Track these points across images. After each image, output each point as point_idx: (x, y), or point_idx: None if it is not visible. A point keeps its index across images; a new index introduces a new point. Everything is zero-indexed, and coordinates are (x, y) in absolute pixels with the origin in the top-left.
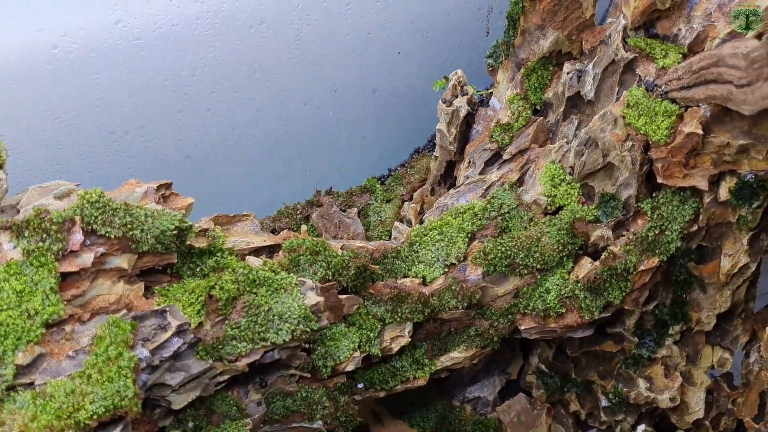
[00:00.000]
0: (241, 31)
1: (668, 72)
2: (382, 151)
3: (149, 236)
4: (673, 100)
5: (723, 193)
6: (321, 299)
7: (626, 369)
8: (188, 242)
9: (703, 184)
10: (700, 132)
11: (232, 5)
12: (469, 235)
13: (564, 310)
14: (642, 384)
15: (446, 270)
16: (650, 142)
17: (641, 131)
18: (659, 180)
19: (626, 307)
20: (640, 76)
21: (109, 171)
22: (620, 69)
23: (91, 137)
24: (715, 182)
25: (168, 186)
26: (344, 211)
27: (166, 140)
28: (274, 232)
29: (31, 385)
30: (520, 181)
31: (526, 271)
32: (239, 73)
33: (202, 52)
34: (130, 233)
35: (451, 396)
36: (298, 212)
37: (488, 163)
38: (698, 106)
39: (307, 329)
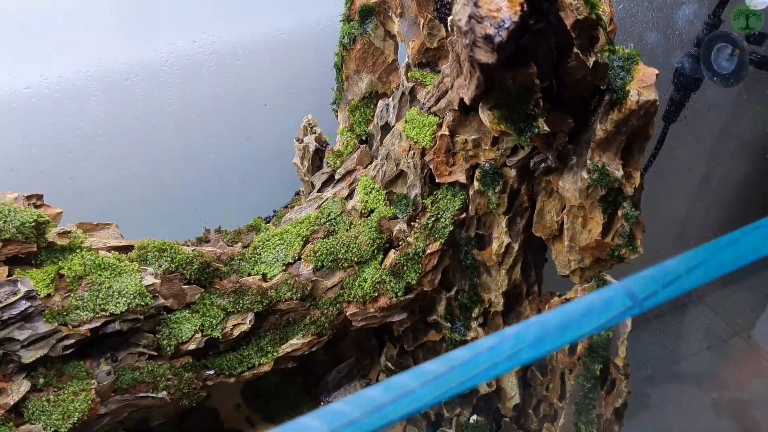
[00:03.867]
0: (118, 83)
1: (429, 92)
2: (265, 193)
3: (11, 226)
4: (435, 113)
5: (475, 183)
6: (157, 281)
7: None
8: (50, 239)
9: (462, 178)
10: (447, 133)
11: (108, 62)
12: (304, 239)
13: (377, 294)
14: None
15: (284, 268)
16: (424, 149)
17: (414, 140)
18: (437, 180)
19: (425, 288)
20: (419, 100)
21: None
22: (407, 97)
23: None
24: (472, 176)
25: (39, 197)
26: (231, 246)
27: (60, 178)
28: None
29: None
30: (350, 196)
31: (347, 264)
32: (118, 119)
33: (85, 101)
34: None
35: (318, 401)
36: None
37: (325, 184)
38: (445, 115)
39: (142, 303)
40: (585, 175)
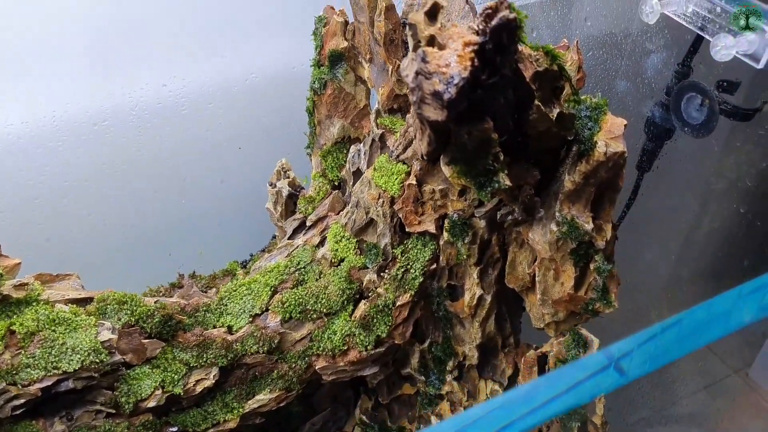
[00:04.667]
0: (86, 128)
1: (397, 140)
2: (240, 236)
3: None
4: (403, 161)
5: (445, 234)
6: (114, 336)
7: (424, 410)
8: (5, 292)
9: (431, 228)
10: (414, 182)
11: (75, 107)
12: (273, 289)
13: (346, 348)
14: (435, 422)
15: (251, 320)
16: (393, 198)
17: (383, 189)
18: (407, 229)
19: (396, 342)
20: (389, 147)
21: None
22: (378, 144)
23: None
24: (441, 226)
25: None
26: (205, 292)
27: (27, 224)
28: None
29: None
30: (321, 244)
31: (315, 316)
32: (87, 165)
33: (51, 146)
34: None
35: None
36: (161, 294)
37: (296, 231)
38: (413, 163)
39: (97, 360)
40: (554, 227)
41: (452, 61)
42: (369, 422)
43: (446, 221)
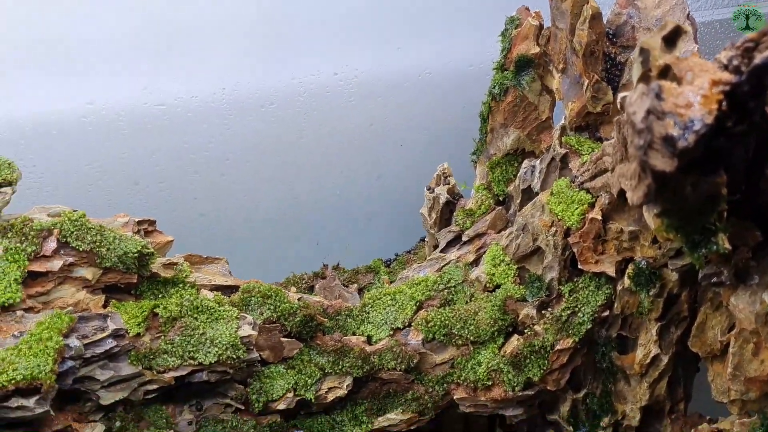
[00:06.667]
0: (253, 109)
1: (584, 165)
2: (388, 234)
3: (113, 255)
4: (588, 190)
5: (626, 279)
6: (254, 333)
7: None
8: (154, 270)
9: (611, 270)
10: (599, 218)
11: (245, 86)
12: (418, 304)
13: (491, 383)
14: None
15: (392, 333)
16: (569, 229)
17: (559, 217)
18: (579, 266)
19: (549, 387)
20: (571, 170)
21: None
22: (558, 164)
23: (116, 186)
24: (622, 270)
25: (152, 223)
26: (346, 286)
27: (183, 196)
28: None
29: None
30: (476, 262)
31: (461, 342)
32: (250, 145)
33: (217, 122)
34: (97, 249)
35: None
36: (304, 281)
37: (450, 244)
38: (600, 195)
39: (234, 356)
40: (767, 298)
41: (695, 101)
42: None
43: (630, 266)
